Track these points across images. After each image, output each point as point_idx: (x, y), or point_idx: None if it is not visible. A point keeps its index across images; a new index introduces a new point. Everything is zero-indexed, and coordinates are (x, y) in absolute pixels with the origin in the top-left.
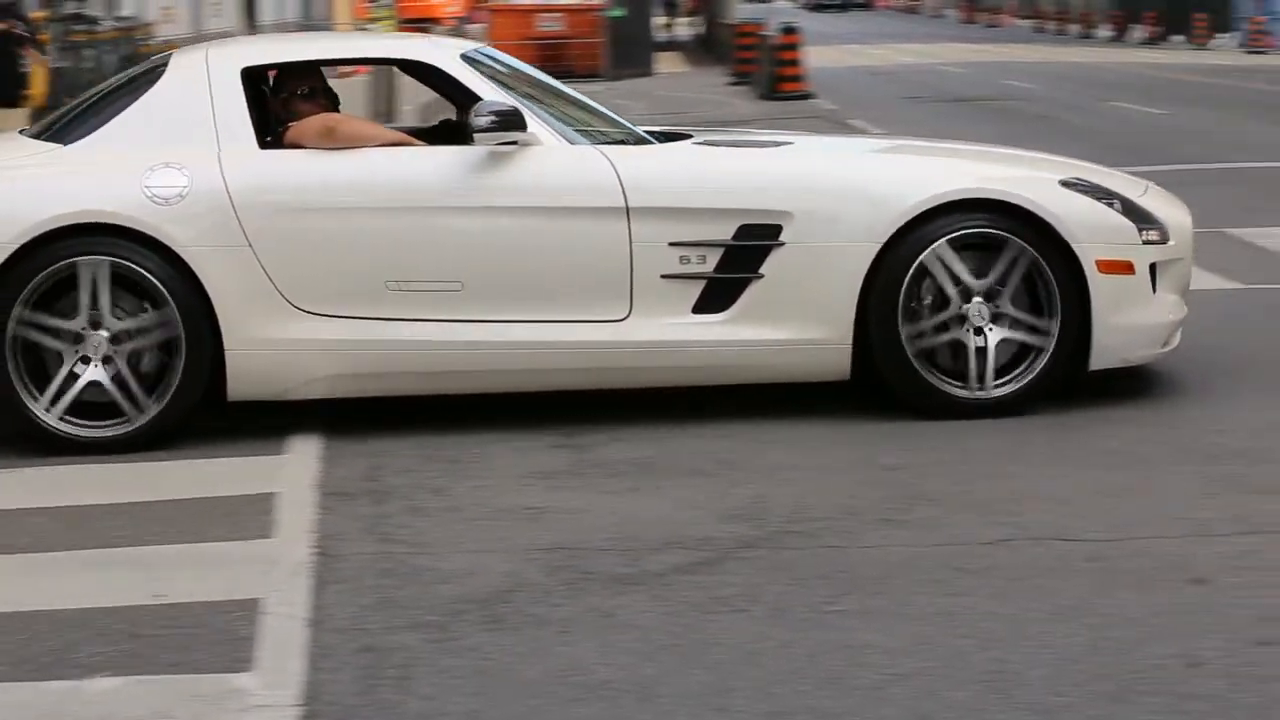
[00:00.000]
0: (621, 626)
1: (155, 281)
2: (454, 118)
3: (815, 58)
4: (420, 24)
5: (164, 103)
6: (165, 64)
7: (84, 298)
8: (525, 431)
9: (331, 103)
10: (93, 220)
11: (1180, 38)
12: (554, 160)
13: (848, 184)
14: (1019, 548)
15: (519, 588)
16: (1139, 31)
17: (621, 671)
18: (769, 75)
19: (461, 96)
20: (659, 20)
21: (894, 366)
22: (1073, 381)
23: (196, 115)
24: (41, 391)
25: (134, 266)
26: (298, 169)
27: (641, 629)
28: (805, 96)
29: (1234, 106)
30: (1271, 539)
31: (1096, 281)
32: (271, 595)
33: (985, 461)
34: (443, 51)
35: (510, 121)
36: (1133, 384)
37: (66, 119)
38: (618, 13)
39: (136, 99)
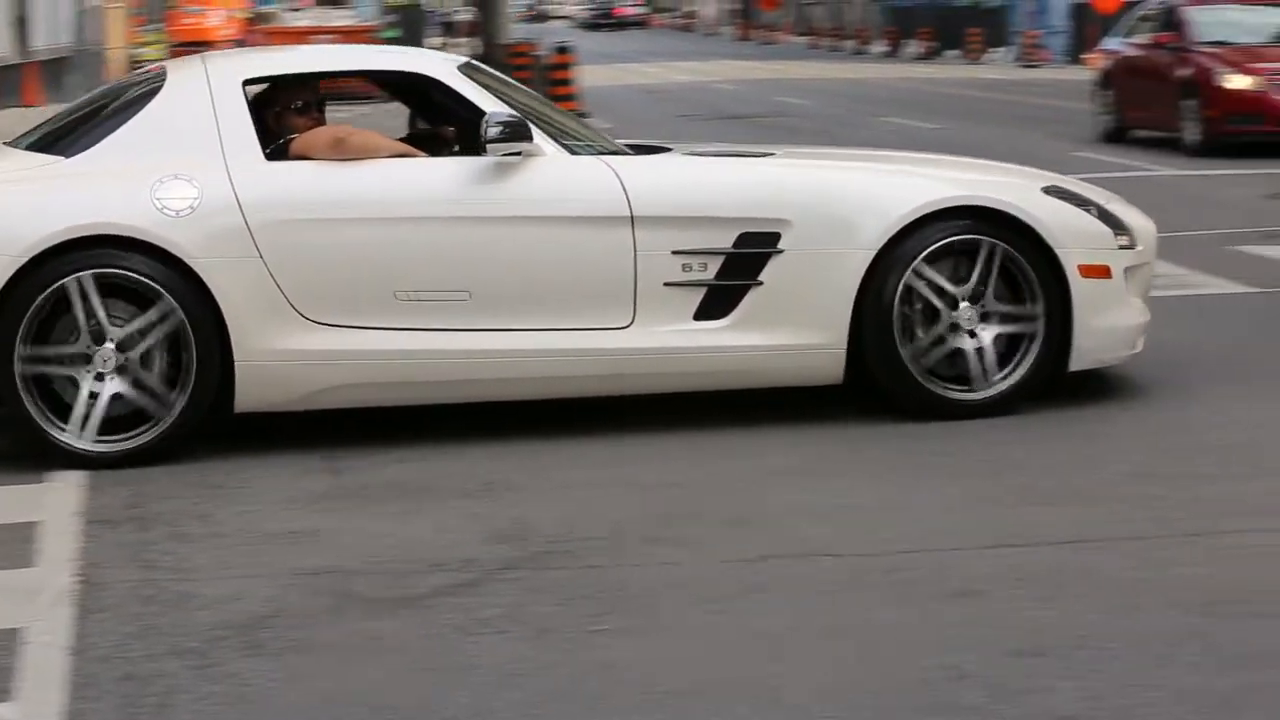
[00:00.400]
0: (383, 650)
1: (156, 285)
2: (423, 127)
3: (590, 77)
4: (193, 47)
5: (166, 115)
6: (162, 77)
7: (80, 317)
8: (290, 456)
9: (323, 115)
10: (105, 232)
11: (955, 53)
12: (558, 170)
13: (845, 192)
14: (786, 564)
15: (281, 613)
16: (913, 47)
17: (382, 695)
18: (542, 95)
19: (462, 109)
20: (435, 41)
21: (891, 372)
22: (1053, 382)
23: (201, 127)
24: (65, 420)
25: (136, 275)
26: (308, 180)
27: (403, 652)
28: (579, 116)
29: (1008, 120)
30: (1039, 551)
31: (1078, 285)
32: (33, 625)
33: (755, 479)
34: (441, 64)
35: (518, 132)
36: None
37: (61, 132)
38: (392, 34)
39: (138, 111)
